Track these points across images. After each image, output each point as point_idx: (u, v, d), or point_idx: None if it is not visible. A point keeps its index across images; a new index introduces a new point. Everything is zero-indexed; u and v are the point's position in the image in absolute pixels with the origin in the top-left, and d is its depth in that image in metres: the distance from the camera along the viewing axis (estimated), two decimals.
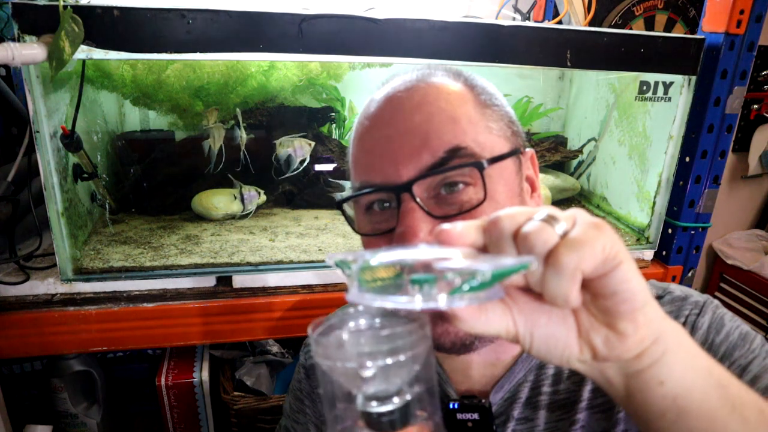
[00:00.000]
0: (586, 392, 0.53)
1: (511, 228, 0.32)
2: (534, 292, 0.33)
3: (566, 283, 0.30)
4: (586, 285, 0.32)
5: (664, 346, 0.34)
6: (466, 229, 0.33)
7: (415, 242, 0.46)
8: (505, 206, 0.49)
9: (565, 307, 0.33)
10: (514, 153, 0.52)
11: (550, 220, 0.31)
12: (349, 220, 0.55)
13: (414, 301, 0.30)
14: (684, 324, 0.53)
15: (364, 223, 0.53)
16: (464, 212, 0.48)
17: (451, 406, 0.54)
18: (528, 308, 0.34)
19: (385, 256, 0.32)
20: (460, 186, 0.48)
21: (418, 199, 0.47)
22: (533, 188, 0.56)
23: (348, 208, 0.55)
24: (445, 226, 0.33)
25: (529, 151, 0.56)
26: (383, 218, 0.51)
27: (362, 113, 0.54)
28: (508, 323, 0.34)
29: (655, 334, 0.33)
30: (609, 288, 0.31)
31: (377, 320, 0.35)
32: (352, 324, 0.34)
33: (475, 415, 0.53)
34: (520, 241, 0.31)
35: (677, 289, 0.57)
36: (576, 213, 0.33)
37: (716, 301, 0.55)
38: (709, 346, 0.51)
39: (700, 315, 0.53)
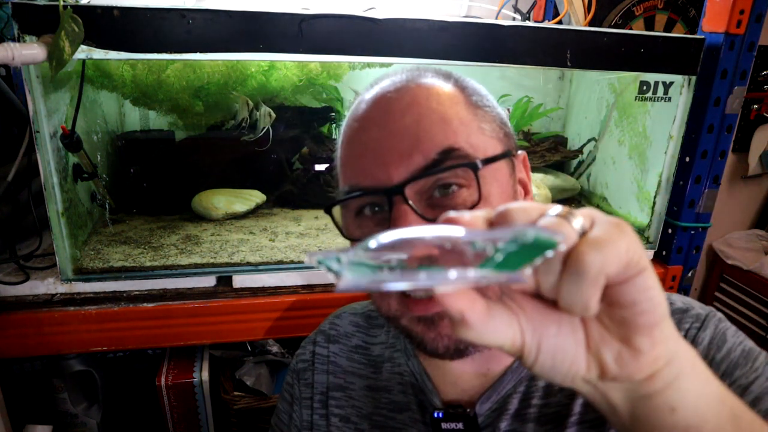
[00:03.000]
0: (578, 406, 0.51)
1: (524, 222, 0.29)
2: (543, 299, 0.30)
3: (588, 287, 0.27)
4: (603, 292, 0.28)
5: (678, 368, 0.31)
6: (474, 218, 0.29)
7: None
8: None
9: (584, 315, 0.29)
10: (507, 155, 0.51)
11: (566, 215, 0.29)
12: (338, 226, 0.53)
13: (419, 277, 0.25)
14: (684, 338, 0.50)
15: (353, 227, 0.52)
16: None
17: (435, 415, 0.53)
18: (537, 316, 0.31)
19: (386, 236, 0.28)
20: (454, 188, 0.47)
21: (410, 202, 0.46)
22: (526, 191, 0.55)
23: (336, 213, 0.53)
24: (452, 213, 0.29)
25: (521, 153, 0.55)
26: (374, 222, 0.50)
27: (350, 115, 0.53)
28: (515, 333, 0.30)
29: (670, 354, 0.30)
30: (629, 296, 0.28)
31: None
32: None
33: (460, 425, 0.52)
34: None
35: (678, 299, 0.54)
36: (592, 211, 0.30)
37: (719, 314, 0.53)
38: (709, 362, 0.48)
39: (701, 329, 0.50)
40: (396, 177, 0.46)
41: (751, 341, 0.50)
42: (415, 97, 0.49)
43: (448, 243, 0.27)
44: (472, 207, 0.46)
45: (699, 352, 0.48)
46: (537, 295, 0.31)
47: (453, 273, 0.26)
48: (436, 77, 0.52)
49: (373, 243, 0.28)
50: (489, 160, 0.48)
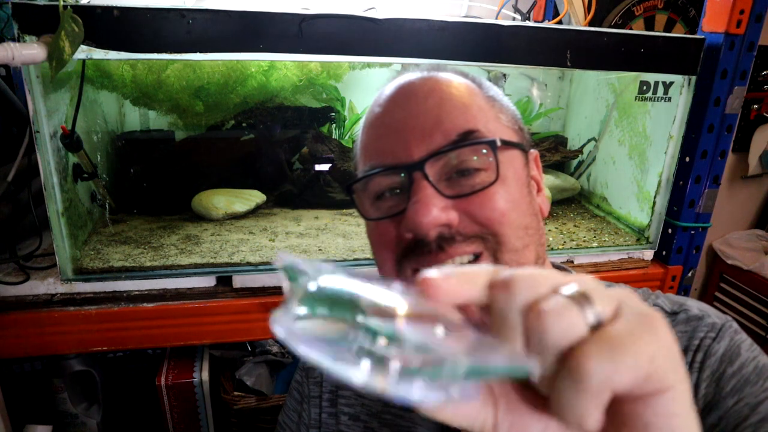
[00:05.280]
0: None
1: (526, 299, 0.23)
2: (532, 389, 0.25)
3: (587, 401, 0.21)
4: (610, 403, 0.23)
5: None
6: (462, 280, 0.24)
7: (427, 217, 0.45)
8: (515, 192, 0.49)
9: (579, 430, 0.23)
10: (522, 146, 0.52)
11: (581, 299, 0.23)
12: (358, 206, 0.54)
13: (358, 368, 0.21)
14: (698, 348, 0.49)
15: (372, 210, 0.52)
16: (476, 191, 0.47)
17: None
18: (520, 409, 0.25)
19: (339, 281, 0.24)
20: (472, 171, 0.48)
21: (430, 178, 0.47)
22: (539, 188, 0.56)
23: (356, 196, 0.53)
24: (432, 273, 0.24)
25: (534, 152, 0.57)
26: (393, 203, 0.50)
27: (373, 103, 0.54)
28: (485, 419, 0.25)
29: None
30: (640, 418, 0.23)
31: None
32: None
33: None
34: (531, 319, 0.23)
35: (694, 306, 0.53)
36: (622, 295, 0.24)
37: (735, 325, 0.51)
38: (719, 376, 0.47)
39: (716, 339, 0.49)
40: (416, 154, 0.47)
41: (766, 356, 0.49)
42: (437, 84, 0.51)
43: (403, 335, 0.22)
44: (490, 184, 0.47)
45: (712, 363, 0.47)
46: (526, 384, 0.25)
47: (394, 374, 0.21)
48: (454, 73, 0.54)
49: (325, 282, 0.24)
50: (506, 143, 0.49)
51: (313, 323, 0.23)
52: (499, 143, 0.48)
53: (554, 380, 0.22)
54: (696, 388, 0.48)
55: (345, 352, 0.22)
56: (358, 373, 0.21)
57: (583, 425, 0.22)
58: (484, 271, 0.25)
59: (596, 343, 0.22)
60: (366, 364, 0.21)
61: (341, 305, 0.23)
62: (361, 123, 0.55)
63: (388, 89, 0.53)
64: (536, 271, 0.25)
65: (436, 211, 0.45)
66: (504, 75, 1.28)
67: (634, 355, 0.21)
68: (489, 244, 0.47)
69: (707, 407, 0.47)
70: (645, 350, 0.22)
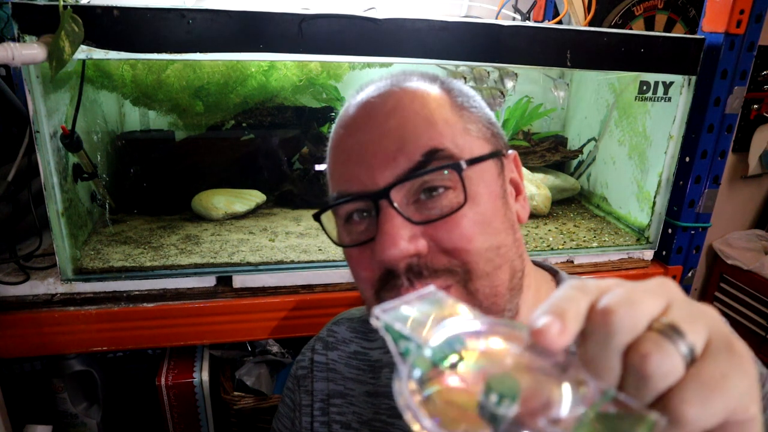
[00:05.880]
0: None
1: (627, 339, 0.23)
2: None
3: None
4: None
5: None
6: (571, 321, 0.24)
7: (395, 250, 0.44)
8: (486, 210, 0.48)
9: None
10: (495, 155, 0.50)
11: (673, 334, 0.23)
12: (328, 234, 0.53)
13: None
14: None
15: (344, 234, 0.51)
16: (445, 215, 0.46)
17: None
18: None
19: (445, 336, 0.25)
20: (440, 190, 0.46)
21: (396, 205, 0.45)
22: (518, 191, 0.55)
23: (327, 221, 0.52)
24: (544, 321, 0.24)
25: (512, 153, 0.55)
26: (363, 228, 0.49)
27: (337, 122, 0.52)
28: None
29: None
30: None
31: None
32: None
33: None
34: (635, 362, 0.23)
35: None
36: (708, 316, 0.24)
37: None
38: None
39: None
40: (381, 181, 0.46)
41: None
42: (399, 101, 0.49)
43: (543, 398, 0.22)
44: (459, 208, 0.46)
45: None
46: None
47: None
48: (421, 80, 0.52)
49: (435, 343, 0.25)
50: (474, 161, 0.47)
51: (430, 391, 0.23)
52: (464, 166, 0.46)
53: None
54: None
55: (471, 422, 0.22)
56: None
57: None
58: (580, 297, 0.25)
59: (693, 389, 0.22)
60: None
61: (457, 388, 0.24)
62: (329, 143, 0.54)
63: (351, 108, 0.51)
64: (629, 295, 0.24)
65: (403, 244, 0.44)
66: (515, 74, 1.26)
67: (727, 398, 0.22)
68: (458, 276, 0.47)
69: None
70: (736, 391, 0.22)
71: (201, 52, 0.77)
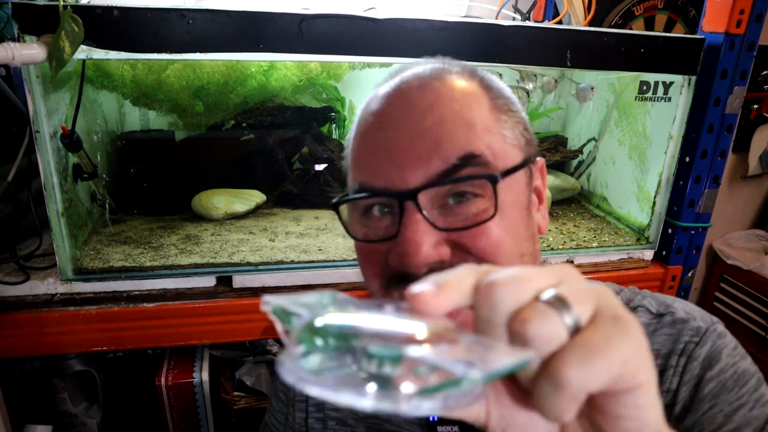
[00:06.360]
0: None
1: (509, 308, 0.25)
2: (519, 383, 0.27)
3: (565, 402, 0.23)
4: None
5: None
6: (449, 290, 0.26)
7: (418, 257, 0.43)
8: (512, 222, 0.46)
9: (556, 423, 0.27)
10: (527, 164, 0.48)
11: (560, 304, 0.24)
12: (344, 224, 0.50)
13: (366, 396, 0.22)
14: (682, 352, 0.49)
15: (360, 226, 0.49)
16: (471, 227, 0.44)
17: (431, 418, 0.52)
18: (508, 401, 0.28)
19: (335, 318, 0.25)
20: (469, 196, 0.45)
21: (424, 211, 0.43)
22: (540, 200, 0.53)
23: (342, 209, 0.50)
24: (421, 287, 0.25)
25: (540, 160, 0.53)
26: (383, 224, 0.47)
27: (366, 108, 0.50)
28: (479, 410, 0.28)
29: None
30: (613, 410, 0.25)
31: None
32: None
33: (456, 428, 0.52)
34: (515, 328, 0.24)
35: (680, 308, 0.53)
36: (600, 296, 0.26)
37: (720, 328, 0.51)
38: (698, 380, 0.47)
39: (699, 344, 0.49)
40: (411, 181, 0.44)
41: (748, 361, 0.48)
42: (439, 97, 0.46)
43: (408, 355, 0.23)
44: (487, 219, 0.44)
45: (694, 368, 0.48)
46: (512, 378, 0.28)
47: (407, 395, 0.22)
48: (461, 75, 0.49)
49: (321, 321, 0.25)
50: (508, 172, 0.46)
51: (317, 360, 0.24)
52: (499, 178, 0.44)
53: (535, 380, 0.24)
54: (676, 391, 0.48)
55: (352, 382, 0.23)
56: (367, 400, 0.22)
57: (560, 420, 0.24)
58: (467, 274, 0.26)
59: (574, 351, 0.23)
60: (373, 387, 0.22)
61: (339, 338, 0.24)
62: (353, 124, 0.51)
63: (384, 92, 0.48)
64: (517, 272, 0.26)
65: (427, 249, 0.43)
66: (535, 75, 1.25)
67: (608, 361, 0.23)
68: None
69: (684, 410, 0.47)
70: (618, 355, 0.23)
71: (201, 52, 0.77)
